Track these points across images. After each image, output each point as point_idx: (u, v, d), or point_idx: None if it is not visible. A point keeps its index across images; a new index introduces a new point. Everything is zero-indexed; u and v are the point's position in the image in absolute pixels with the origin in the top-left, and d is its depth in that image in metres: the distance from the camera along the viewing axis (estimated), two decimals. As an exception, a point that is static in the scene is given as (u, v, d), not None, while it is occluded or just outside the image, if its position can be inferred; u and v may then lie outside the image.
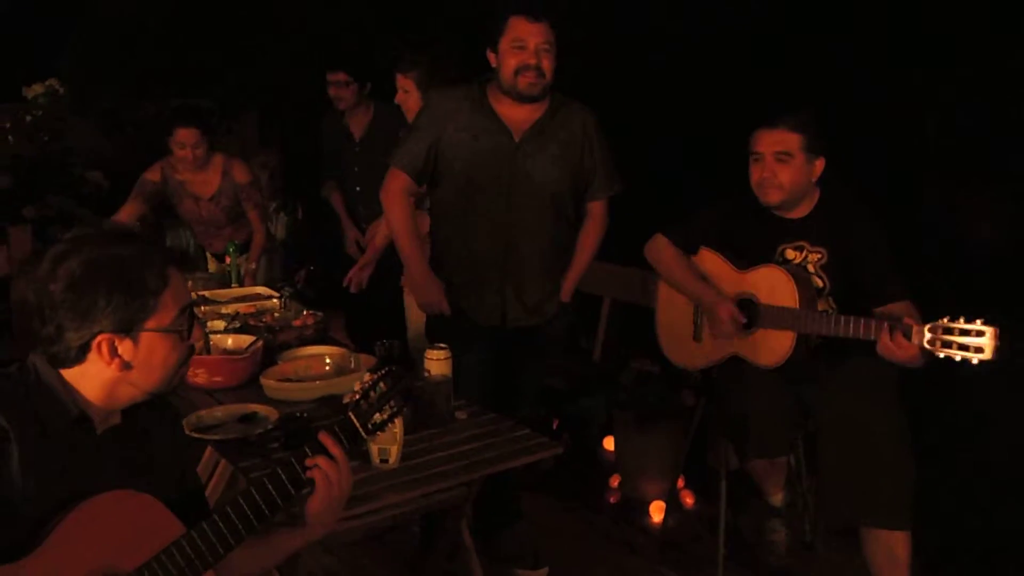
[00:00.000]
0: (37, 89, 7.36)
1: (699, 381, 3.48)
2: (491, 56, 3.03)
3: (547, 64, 2.96)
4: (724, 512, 3.11)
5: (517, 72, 2.94)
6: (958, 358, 2.38)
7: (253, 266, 4.31)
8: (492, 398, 2.92)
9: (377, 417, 1.80)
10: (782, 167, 2.82)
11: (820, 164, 2.86)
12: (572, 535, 3.55)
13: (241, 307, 3.47)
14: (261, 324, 3.19)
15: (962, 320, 2.38)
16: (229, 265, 4.14)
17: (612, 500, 3.85)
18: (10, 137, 7.27)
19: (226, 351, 2.97)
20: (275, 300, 3.60)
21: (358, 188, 4.68)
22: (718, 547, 3.11)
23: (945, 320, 2.42)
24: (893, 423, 2.67)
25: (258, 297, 3.73)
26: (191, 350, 1.65)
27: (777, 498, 3.14)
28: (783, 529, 3.24)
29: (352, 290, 3.93)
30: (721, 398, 2.99)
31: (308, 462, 1.69)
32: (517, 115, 3.03)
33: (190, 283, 2.96)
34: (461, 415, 2.60)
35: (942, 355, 2.41)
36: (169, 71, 5.59)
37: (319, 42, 5.71)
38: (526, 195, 3.05)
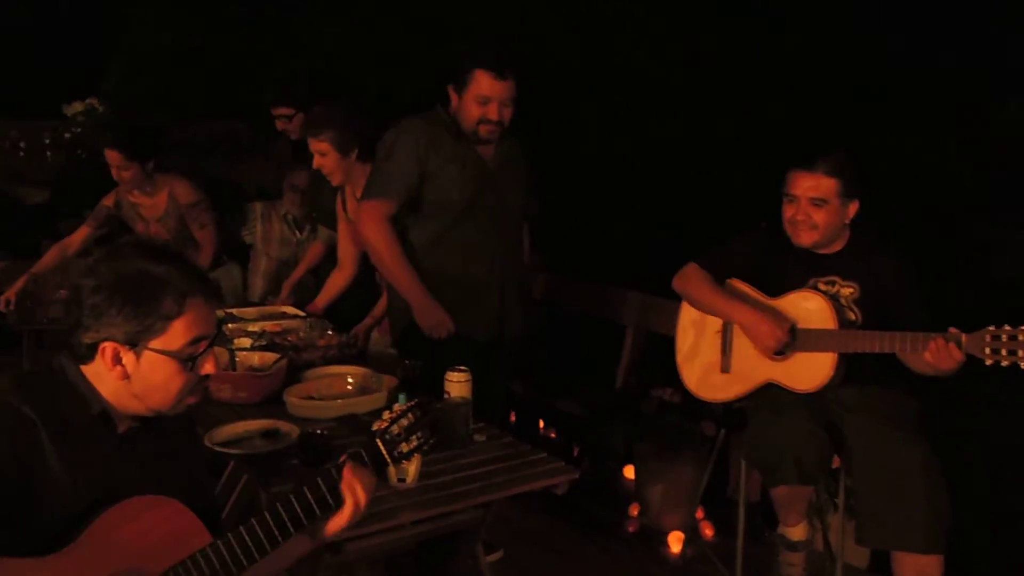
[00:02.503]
0: (77, 107, 7.53)
1: (720, 412, 3.47)
2: (452, 95, 3.20)
3: (508, 116, 3.19)
4: (742, 544, 3.10)
5: (479, 122, 3.16)
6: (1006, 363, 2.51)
7: None
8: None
9: (404, 447, 1.83)
10: (816, 211, 2.83)
11: (854, 207, 2.87)
12: (590, 562, 3.54)
13: (267, 325, 3.51)
14: (287, 343, 3.23)
15: (1007, 327, 2.51)
16: None
17: (631, 529, 3.83)
18: (49, 153, 7.44)
19: (252, 368, 3.01)
20: (301, 319, 3.64)
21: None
22: (735, 579, 3.10)
23: (992, 328, 2.53)
24: (925, 450, 2.69)
25: (284, 316, 3.77)
26: (199, 380, 1.67)
27: (797, 531, 3.10)
28: (801, 564, 3.20)
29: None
30: (751, 425, 2.97)
31: (344, 487, 1.70)
32: (484, 145, 3.26)
33: None
34: (479, 437, 2.61)
35: (1005, 363, 2.51)
36: (208, 95, 5.70)
37: (344, 64, 5.82)
38: (505, 218, 3.32)
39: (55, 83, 7.40)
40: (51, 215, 6.05)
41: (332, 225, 4.06)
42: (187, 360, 1.62)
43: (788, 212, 2.90)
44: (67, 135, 7.62)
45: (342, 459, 1.74)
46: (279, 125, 4.67)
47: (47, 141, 7.62)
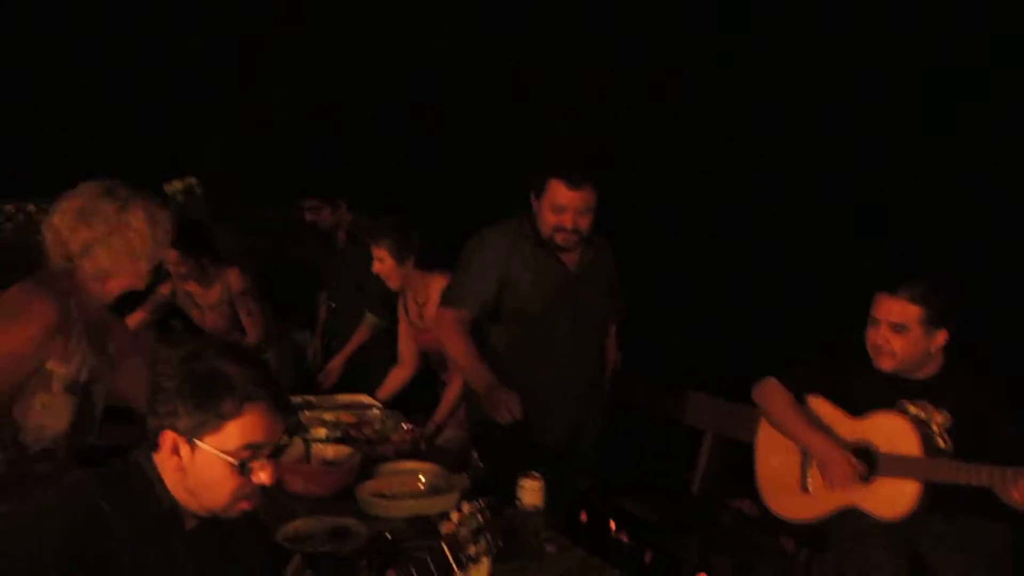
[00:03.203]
0: (176, 186, 7.74)
1: (801, 529, 3.34)
2: (533, 202, 3.23)
3: (584, 224, 3.17)
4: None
5: (554, 230, 3.16)
6: None
7: None
8: None
9: (472, 550, 1.79)
10: (896, 337, 2.75)
11: (941, 336, 2.75)
12: None
13: (343, 415, 3.53)
14: (361, 436, 3.25)
15: None
16: None
17: (704, 645, 3.68)
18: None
19: (326, 461, 3.01)
20: (376, 411, 3.65)
21: (333, 304, 4.82)
22: None
23: None
24: None
25: (360, 405, 3.79)
26: (254, 488, 1.66)
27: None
28: None
29: None
30: (832, 552, 2.86)
31: None
32: (566, 252, 3.26)
33: None
34: (551, 548, 2.55)
35: None
36: (297, 180, 5.85)
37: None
38: (585, 324, 3.32)
39: (156, 161, 7.65)
40: (138, 293, 6.21)
41: (379, 313, 4.36)
42: (240, 464, 1.62)
43: (870, 336, 2.82)
44: (164, 212, 7.76)
45: None
46: (307, 217, 4.77)
47: (144, 218, 7.77)
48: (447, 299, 3.34)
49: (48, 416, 2.34)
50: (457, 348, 3.27)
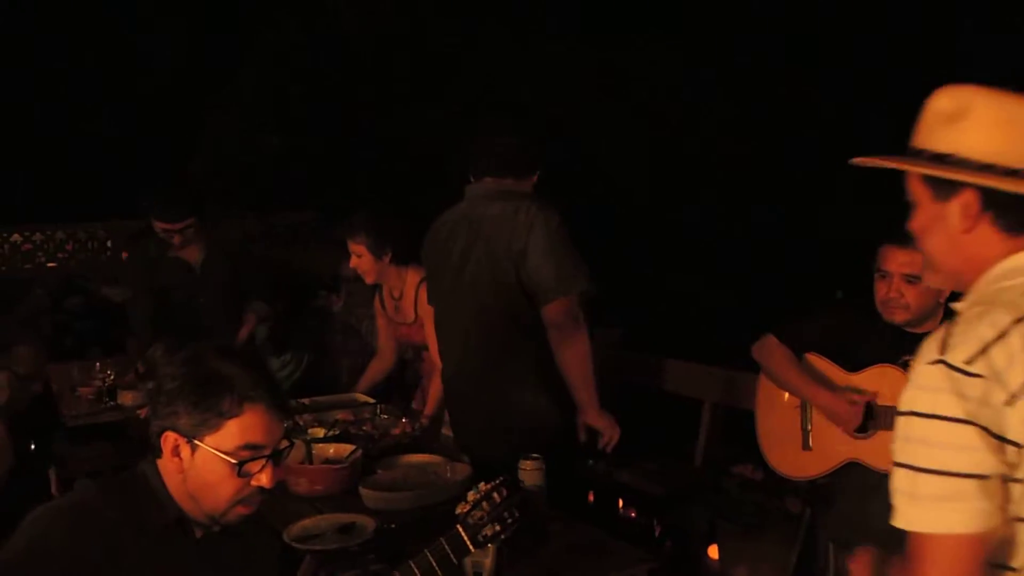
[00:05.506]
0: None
1: (805, 488, 3.37)
2: (536, 176, 3.23)
3: None
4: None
5: None
6: None
7: None
8: None
9: (489, 530, 1.81)
10: (910, 288, 2.69)
11: None
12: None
13: (340, 414, 3.54)
14: (361, 432, 3.25)
15: None
16: None
17: (718, 612, 3.71)
18: (125, 254, 7.67)
19: (327, 460, 3.02)
20: (371, 406, 3.67)
21: (206, 323, 4.34)
22: (829, 664, 2.96)
23: None
24: None
25: (355, 403, 3.81)
26: (254, 491, 1.66)
27: (892, 613, 2.98)
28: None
29: None
30: (837, 507, 2.88)
31: None
32: None
33: None
34: (556, 526, 2.57)
35: None
36: (282, 188, 5.86)
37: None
38: None
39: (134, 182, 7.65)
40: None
41: (266, 297, 4.36)
42: (239, 464, 1.62)
43: (881, 291, 2.76)
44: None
45: None
46: (175, 240, 4.21)
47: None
48: (571, 286, 2.99)
49: None
50: (589, 357, 3.03)
